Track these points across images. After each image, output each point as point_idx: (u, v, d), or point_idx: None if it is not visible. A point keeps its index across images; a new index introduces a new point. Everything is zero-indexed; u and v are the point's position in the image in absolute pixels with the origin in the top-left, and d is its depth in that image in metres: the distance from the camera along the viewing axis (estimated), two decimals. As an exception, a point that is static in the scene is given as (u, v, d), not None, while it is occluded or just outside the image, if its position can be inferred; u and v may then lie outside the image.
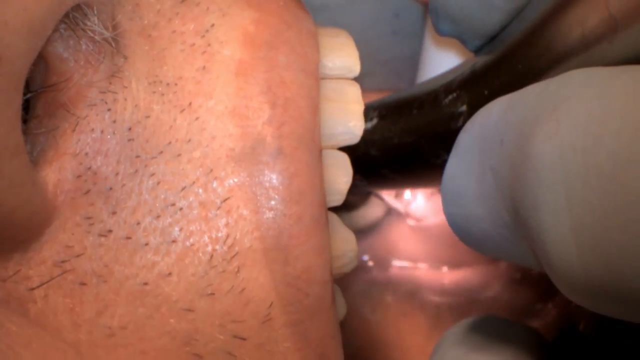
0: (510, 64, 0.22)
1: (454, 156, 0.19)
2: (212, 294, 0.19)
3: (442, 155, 0.25)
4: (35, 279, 0.18)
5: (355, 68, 0.24)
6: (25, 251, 0.18)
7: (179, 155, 0.19)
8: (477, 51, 0.25)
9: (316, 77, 0.21)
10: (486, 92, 0.23)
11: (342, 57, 0.23)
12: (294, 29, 0.21)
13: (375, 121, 0.28)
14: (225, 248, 0.19)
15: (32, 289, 0.18)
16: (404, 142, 0.26)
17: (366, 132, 0.25)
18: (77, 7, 0.18)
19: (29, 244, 0.18)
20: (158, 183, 0.19)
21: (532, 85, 0.17)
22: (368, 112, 0.28)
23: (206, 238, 0.19)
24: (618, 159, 0.13)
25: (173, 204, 0.19)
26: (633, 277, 0.13)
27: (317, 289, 0.20)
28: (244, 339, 0.19)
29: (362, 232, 0.33)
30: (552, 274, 0.15)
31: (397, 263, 0.33)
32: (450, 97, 0.24)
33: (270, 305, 0.20)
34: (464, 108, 0.23)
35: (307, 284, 0.20)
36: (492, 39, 0.24)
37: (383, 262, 0.34)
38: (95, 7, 0.19)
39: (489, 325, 0.23)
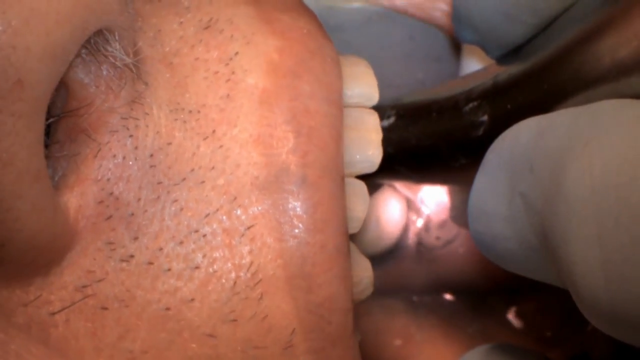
0: (535, 82, 0.22)
1: (482, 174, 0.19)
2: (235, 320, 0.19)
3: (460, 160, 0.25)
4: (57, 303, 0.18)
5: (374, 97, 0.24)
6: (46, 276, 0.18)
7: (203, 182, 0.20)
8: (499, 60, 0.25)
9: (340, 106, 0.22)
10: (509, 107, 0.23)
11: (361, 86, 0.23)
12: (317, 57, 0.22)
13: (392, 120, 0.28)
14: (248, 275, 0.19)
15: (54, 313, 0.18)
16: (422, 144, 0.27)
17: (383, 130, 0.25)
18: (99, 33, 0.19)
19: (50, 269, 0.18)
20: (181, 209, 0.19)
21: (562, 112, 0.17)
22: (385, 110, 0.28)
23: (229, 265, 0.19)
24: None
25: (196, 231, 0.19)
26: None
27: (339, 317, 0.20)
28: None
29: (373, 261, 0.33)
30: (579, 302, 0.16)
31: (409, 292, 0.33)
32: (471, 105, 0.24)
33: (293, 332, 0.20)
34: (485, 118, 0.24)
35: (330, 311, 0.20)
36: (516, 49, 0.24)
37: (391, 291, 0.34)
38: (116, 33, 0.19)
39: (501, 354, 0.23)
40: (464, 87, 0.25)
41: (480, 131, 0.24)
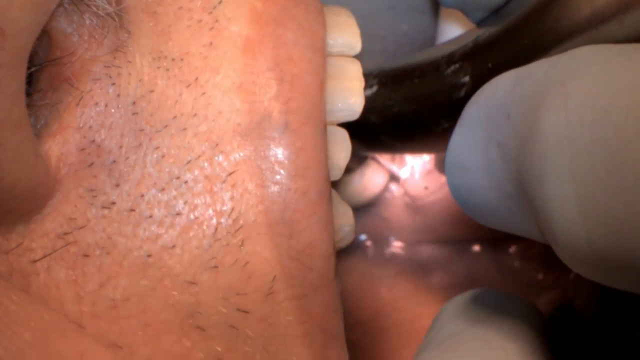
0: (516, 38, 0.22)
1: (459, 129, 0.19)
2: (216, 267, 0.19)
3: (442, 124, 0.25)
4: (38, 251, 0.18)
5: (357, 46, 0.24)
6: (27, 224, 0.18)
7: (185, 129, 0.20)
8: (480, 23, 0.25)
9: (323, 54, 0.22)
10: (490, 65, 0.23)
11: (344, 35, 0.23)
12: (301, 6, 0.21)
13: (375, 88, 0.28)
14: (229, 221, 0.20)
15: (35, 261, 0.18)
16: (405, 110, 0.27)
17: (366, 99, 0.25)
18: None
19: (31, 217, 0.18)
20: (163, 156, 0.19)
21: (540, 61, 0.17)
22: (368, 80, 0.28)
23: (211, 211, 0.19)
24: (624, 133, 0.13)
25: (178, 177, 0.19)
26: (637, 247, 0.14)
27: (320, 263, 0.20)
28: (247, 312, 0.20)
29: (359, 210, 0.33)
30: (556, 245, 0.16)
31: (395, 241, 0.34)
32: (452, 67, 0.24)
33: (274, 278, 0.20)
34: (466, 79, 0.24)
35: (311, 258, 0.20)
36: (496, 11, 0.24)
37: (381, 241, 0.34)
38: None
39: (487, 299, 0.23)
40: (445, 51, 0.25)
41: (462, 92, 0.24)
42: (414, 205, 0.33)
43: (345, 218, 0.23)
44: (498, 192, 0.18)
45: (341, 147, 0.23)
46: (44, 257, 0.18)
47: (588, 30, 0.19)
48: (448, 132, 0.25)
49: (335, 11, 0.24)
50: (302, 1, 0.22)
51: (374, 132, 0.28)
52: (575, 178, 0.14)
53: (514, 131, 0.16)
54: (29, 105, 0.18)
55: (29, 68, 0.18)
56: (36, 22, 0.17)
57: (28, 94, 0.19)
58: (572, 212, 0.14)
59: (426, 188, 0.33)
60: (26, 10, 0.16)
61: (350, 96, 0.23)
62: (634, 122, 0.13)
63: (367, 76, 0.28)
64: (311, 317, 0.21)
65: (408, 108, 0.27)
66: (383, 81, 0.28)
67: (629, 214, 0.13)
